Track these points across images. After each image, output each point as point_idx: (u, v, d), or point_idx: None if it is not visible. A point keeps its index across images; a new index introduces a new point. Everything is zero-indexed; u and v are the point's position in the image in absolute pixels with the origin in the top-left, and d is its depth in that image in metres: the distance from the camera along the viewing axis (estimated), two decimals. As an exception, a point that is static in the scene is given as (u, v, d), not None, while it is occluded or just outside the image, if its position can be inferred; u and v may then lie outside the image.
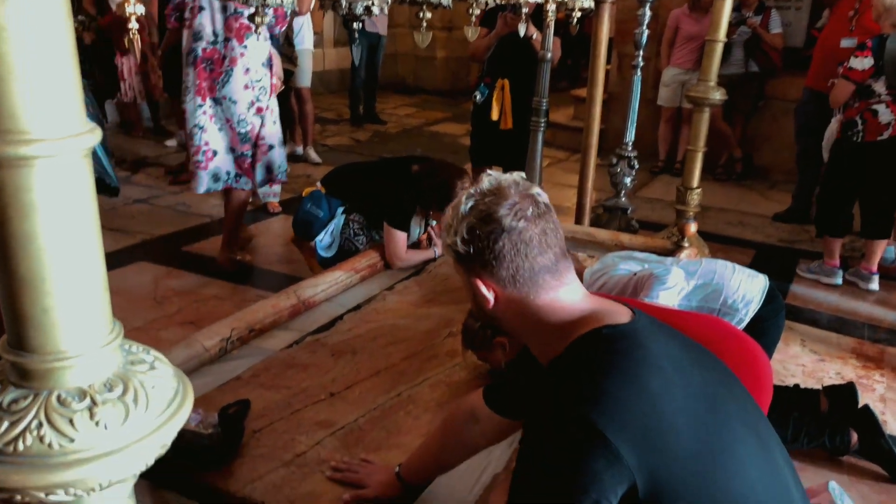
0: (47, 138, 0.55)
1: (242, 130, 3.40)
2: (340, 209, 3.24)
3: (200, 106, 3.33)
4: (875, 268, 3.90)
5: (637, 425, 0.99)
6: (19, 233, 0.56)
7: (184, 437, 1.70)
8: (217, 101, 3.35)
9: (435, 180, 3.04)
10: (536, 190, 1.20)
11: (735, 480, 1.04)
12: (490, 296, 1.18)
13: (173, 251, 4.05)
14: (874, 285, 3.87)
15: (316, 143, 6.47)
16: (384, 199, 3.12)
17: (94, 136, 0.60)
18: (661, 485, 0.99)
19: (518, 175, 1.22)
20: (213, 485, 1.69)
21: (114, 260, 3.89)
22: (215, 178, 3.44)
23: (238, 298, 3.40)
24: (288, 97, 5.63)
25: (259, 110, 3.42)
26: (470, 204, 1.16)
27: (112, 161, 3.06)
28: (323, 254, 3.27)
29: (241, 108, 3.36)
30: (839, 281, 3.93)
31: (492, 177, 1.20)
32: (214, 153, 3.42)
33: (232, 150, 3.45)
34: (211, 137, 3.38)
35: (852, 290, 3.88)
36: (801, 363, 3.03)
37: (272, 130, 3.52)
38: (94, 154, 2.62)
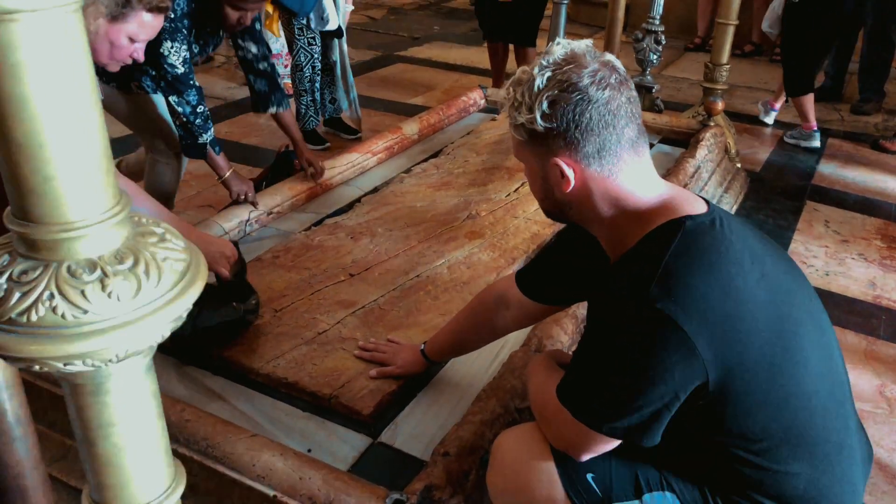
0: (29, -10, 0.51)
1: None
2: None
3: None
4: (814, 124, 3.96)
5: (717, 321, 0.97)
6: (11, 96, 0.53)
7: (205, 310, 1.73)
8: None
9: None
10: (610, 56, 1.09)
11: (801, 370, 1.04)
12: (571, 176, 1.07)
13: (189, 135, 3.99)
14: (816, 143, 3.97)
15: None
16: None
17: (83, -10, 0.55)
18: (734, 380, 0.98)
19: (586, 42, 1.11)
20: (237, 362, 1.73)
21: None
22: None
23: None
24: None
25: None
26: (547, 75, 1.04)
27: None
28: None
29: None
30: (817, 143, 3.96)
31: (562, 44, 1.08)
32: None
33: None
34: None
35: (883, 169, 3.78)
36: (825, 244, 2.99)
37: None
38: None
